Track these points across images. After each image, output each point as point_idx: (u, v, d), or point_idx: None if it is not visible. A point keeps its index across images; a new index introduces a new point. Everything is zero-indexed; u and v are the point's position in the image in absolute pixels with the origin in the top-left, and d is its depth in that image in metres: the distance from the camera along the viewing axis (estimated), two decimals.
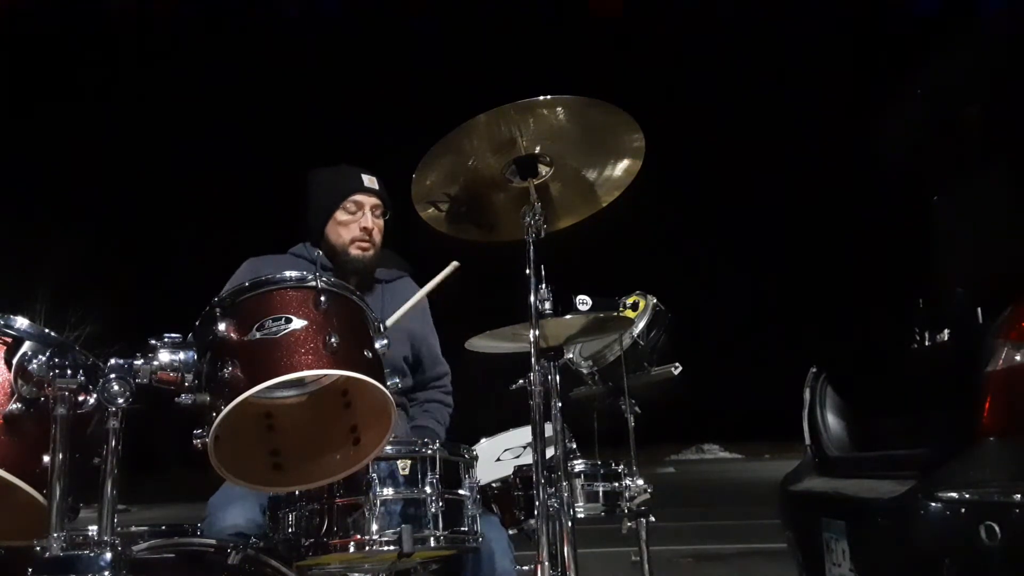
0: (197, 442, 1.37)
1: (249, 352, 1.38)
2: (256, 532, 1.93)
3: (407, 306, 2.19)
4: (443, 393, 2.67)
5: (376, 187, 2.52)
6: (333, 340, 1.39)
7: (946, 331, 2.96)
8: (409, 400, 2.61)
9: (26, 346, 1.37)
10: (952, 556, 2.05)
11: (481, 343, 2.03)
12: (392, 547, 1.63)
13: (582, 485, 2.15)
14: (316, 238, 2.54)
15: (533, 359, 1.87)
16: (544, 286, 1.94)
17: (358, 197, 2.49)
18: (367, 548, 1.63)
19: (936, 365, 2.84)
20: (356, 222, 2.48)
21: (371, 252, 2.51)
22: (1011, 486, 1.99)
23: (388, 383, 1.48)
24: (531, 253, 1.95)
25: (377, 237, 2.53)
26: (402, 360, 2.50)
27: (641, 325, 2.45)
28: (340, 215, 2.49)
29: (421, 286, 2.51)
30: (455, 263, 2.20)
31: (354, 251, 2.47)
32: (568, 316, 2.05)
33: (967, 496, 2.05)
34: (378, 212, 2.53)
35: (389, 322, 1.98)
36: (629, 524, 2.21)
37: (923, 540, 2.15)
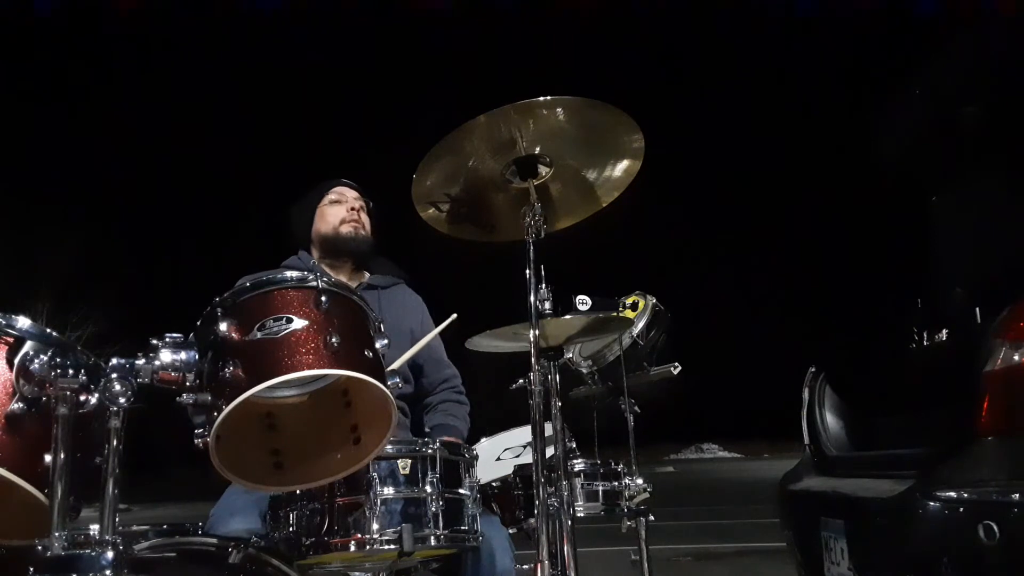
0: (198, 441, 1.37)
1: (250, 352, 1.39)
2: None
3: (413, 350, 2.30)
4: (455, 392, 2.67)
5: (352, 184, 2.67)
6: (334, 340, 1.39)
7: (944, 331, 2.96)
8: (421, 406, 2.61)
9: (28, 346, 1.37)
10: (950, 555, 2.05)
11: (481, 343, 2.04)
12: (392, 546, 1.63)
13: (582, 484, 2.15)
14: (307, 242, 2.62)
15: (533, 359, 1.87)
16: (544, 286, 1.94)
17: (338, 189, 2.65)
18: (368, 547, 1.64)
19: (934, 365, 2.85)
20: (341, 206, 2.61)
21: (362, 232, 2.60)
22: (1009, 485, 1.99)
23: (388, 383, 1.48)
24: (531, 253, 1.95)
25: (365, 220, 2.63)
26: (405, 365, 2.48)
27: (641, 325, 2.46)
28: (324, 205, 2.62)
29: (416, 292, 2.65)
30: (454, 315, 2.39)
31: (345, 229, 2.57)
32: (568, 316, 2.06)
33: (965, 495, 2.05)
34: (359, 204, 2.63)
35: (395, 365, 2.05)
36: (629, 523, 2.21)
37: (921, 539, 2.16)
